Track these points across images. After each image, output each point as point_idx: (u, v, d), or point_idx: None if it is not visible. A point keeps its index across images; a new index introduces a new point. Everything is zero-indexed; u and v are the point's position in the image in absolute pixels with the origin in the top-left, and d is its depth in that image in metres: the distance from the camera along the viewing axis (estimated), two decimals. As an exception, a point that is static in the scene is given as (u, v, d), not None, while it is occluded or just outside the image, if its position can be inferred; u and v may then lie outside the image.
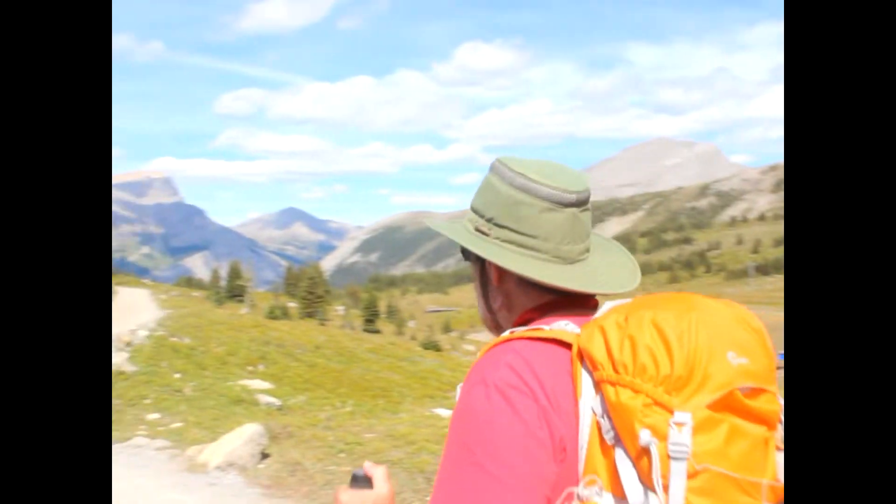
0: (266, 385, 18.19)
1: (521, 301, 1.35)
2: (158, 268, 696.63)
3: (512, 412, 1.10)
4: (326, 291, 63.46)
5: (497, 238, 1.33)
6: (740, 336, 1.12)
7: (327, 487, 6.74)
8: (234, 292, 58.99)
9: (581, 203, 1.31)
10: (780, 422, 1.12)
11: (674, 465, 0.99)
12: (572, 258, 1.32)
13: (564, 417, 1.11)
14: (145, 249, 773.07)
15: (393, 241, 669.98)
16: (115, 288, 42.46)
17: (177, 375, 17.98)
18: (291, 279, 78.76)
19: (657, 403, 1.02)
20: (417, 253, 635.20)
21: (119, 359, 18.30)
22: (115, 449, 9.38)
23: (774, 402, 1.11)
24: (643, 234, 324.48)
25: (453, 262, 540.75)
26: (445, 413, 16.28)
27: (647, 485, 1.01)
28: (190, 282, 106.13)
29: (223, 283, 63.81)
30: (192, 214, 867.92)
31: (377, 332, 59.24)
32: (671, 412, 1.01)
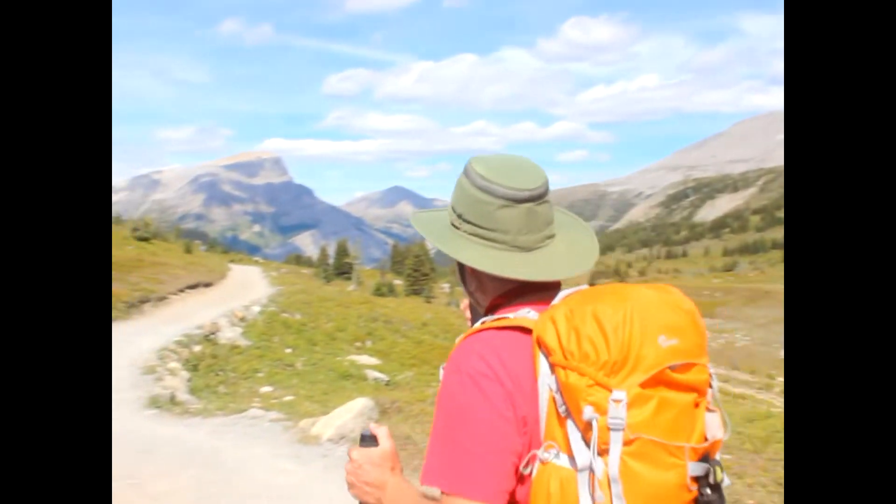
0: (374, 361, 18.47)
1: (491, 286, 1.58)
2: (269, 245, 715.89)
3: (483, 397, 1.35)
4: (432, 269, 63.97)
5: (465, 231, 1.55)
6: (671, 319, 1.34)
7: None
8: (342, 270, 60.19)
9: (536, 198, 1.51)
10: (711, 387, 1.38)
11: (612, 434, 1.23)
12: (530, 247, 1.53)
13: (527, 396, 1.35)
14: (256, 228, 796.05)
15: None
16: (228, 265, 43.83)
17: (288, 350, 18.45)
18: (397, 257, 79.84)
19: (598, 384, 1.25)
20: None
21: (234, 333, 18.90)
22: (232, 420, 9.69)
23: (704, 372, 1.35)
24: (756, 212, 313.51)
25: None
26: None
27: (593, 450, 1.25)
28: (299, 259, 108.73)
29: (331, 260, 65.14)
30: (301, 194, 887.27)
31: (482, 309, 59.30)
32: (610, 391, 1.24)
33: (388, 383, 15.48)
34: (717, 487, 1.31)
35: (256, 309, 23.87)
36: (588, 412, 1.24)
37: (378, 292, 45.76)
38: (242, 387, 13.70)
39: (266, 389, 13.29)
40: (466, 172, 1.56)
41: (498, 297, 1.58)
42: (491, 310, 1.57)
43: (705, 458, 1.32)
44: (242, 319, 21.46)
